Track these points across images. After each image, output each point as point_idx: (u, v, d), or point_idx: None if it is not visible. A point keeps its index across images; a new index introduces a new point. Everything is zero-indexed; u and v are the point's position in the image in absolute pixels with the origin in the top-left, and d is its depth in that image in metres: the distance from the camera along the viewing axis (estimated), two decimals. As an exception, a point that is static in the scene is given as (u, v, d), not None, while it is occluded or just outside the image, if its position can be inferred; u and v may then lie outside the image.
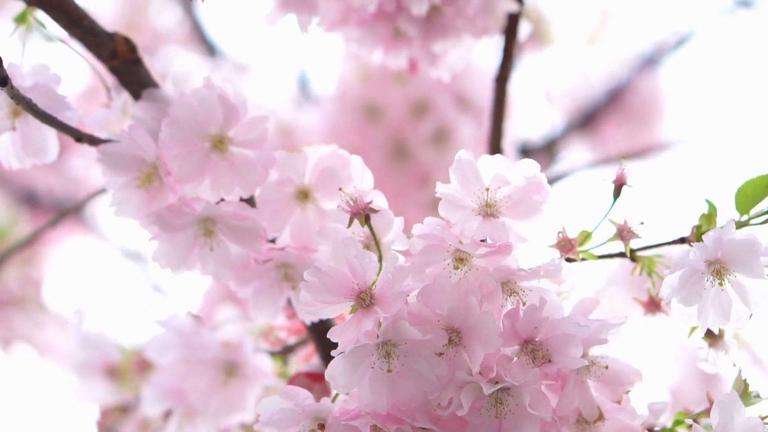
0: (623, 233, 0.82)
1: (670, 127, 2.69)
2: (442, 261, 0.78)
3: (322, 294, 0.76)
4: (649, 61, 2.67)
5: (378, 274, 0.76)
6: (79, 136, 0.87)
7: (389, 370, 0.75)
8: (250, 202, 0.90)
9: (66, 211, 1.51)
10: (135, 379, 1.25)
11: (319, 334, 0.98)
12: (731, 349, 0.83)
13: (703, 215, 0.82)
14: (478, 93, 1.76)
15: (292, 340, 1.11)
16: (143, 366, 1.24)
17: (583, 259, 0.82)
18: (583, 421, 0.79)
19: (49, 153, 0.88)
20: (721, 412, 0.76)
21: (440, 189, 0.79)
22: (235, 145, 0.86)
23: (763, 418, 0.78)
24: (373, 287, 0.75)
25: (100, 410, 1.26)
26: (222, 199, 0.88)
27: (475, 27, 1.08)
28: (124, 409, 1.25)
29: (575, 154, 2.66)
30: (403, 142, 1.76)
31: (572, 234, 0.82)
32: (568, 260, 0.82)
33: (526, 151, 2.37)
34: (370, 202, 0.80)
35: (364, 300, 0.75)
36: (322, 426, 0.77)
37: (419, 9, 1.02)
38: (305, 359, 1.08)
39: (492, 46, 1.30)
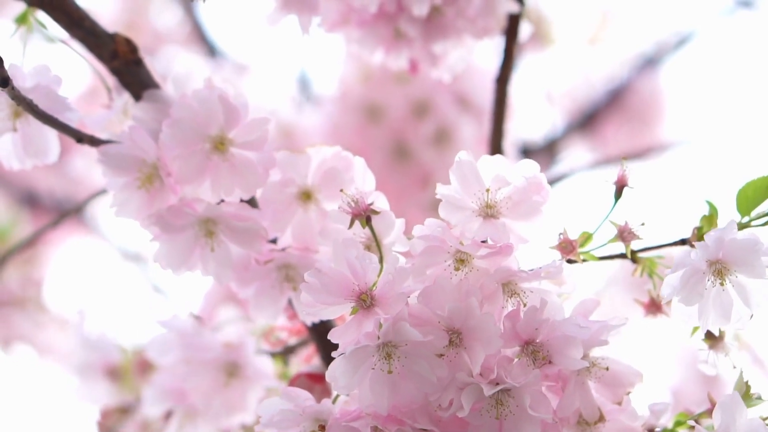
0: (624, 234, 0.82)
1: (671, 128, 2.69)
2: (442, 262, 0.78)
3: (323, 295, 0.76)
4: (650, 62, 2.67)
5: (379, 276, 0.76)
6: (80, 137, 0.87)
7: (390, 372, 0.75)
8: (251, 203, 0.90)
9: (67, 211, 1.51)
10: (136, 380, 1.25)
11: (320, 334, 0.98)
12: (731, 351, 0.83)
13: (704, 216, 0.82)
14: (479, 93, 1.76)
15: (292, 340, 1.11)
16: (144, 367, 1.24)
17: (584, 261, 0.82)
18: (583, 422, 0.79)
19: (50, 154, 0.88)
20: (723, 414, 0.76)
21: (440, 190, 0.79)
22: (236, 146, 0.86)
23: (764, 419, 0.78)
24: (374, 288, 0.75)
25: (100, 411, 1.26)
26: (222, 200, 0.88)
27: (475, 27, 1.08)
28: (124, 410, 1.25)
29: (576, 154, 2.66)
30: (403, 143, 1.76)
31: (573, 235, 0.82)
32: (569, 261, 0.82)
33: (526, 152, 2.37)
34: (371, 204, 0.80)
35: (365, 301, 0.75)
36: (322, 427, 0.77)
37: (420, 10, 1.02)
38: (306, 360, 1.08)
39: (493, 47, 1.30)
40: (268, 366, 1.02)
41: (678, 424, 0.83)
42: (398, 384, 0.76)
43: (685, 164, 2.74)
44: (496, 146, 1.28)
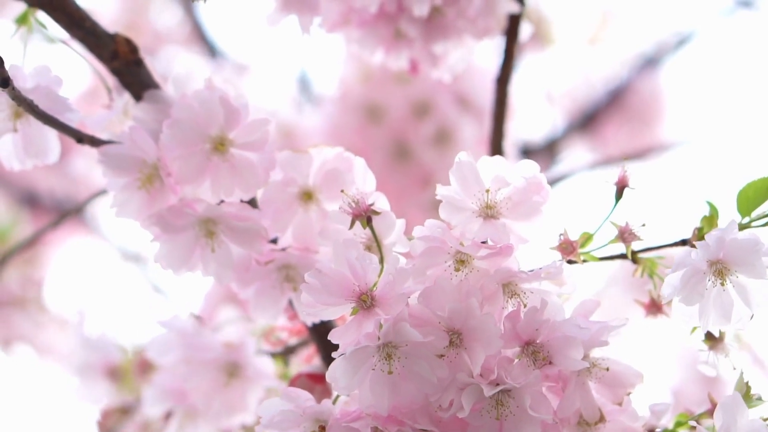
0: (625, 235, 0.82)
1: (671, 128, 2.69)
2: (443, 263, 0.77)
3: (323, 295, 0.76)
4: (650, 62, 2.67)
5: (379, 276, 0.76)
6: (81, 137, 0.87)
7: (390, 372, 0.75)
8: (251, 203, 0.90)
9: (67, 212, 1.51)
10: (136, 381, 1.25)
11: (321, 335, 0.98)
12: (731, 352, 0.83)
13: (705, 217, 0.82)
14: (480, 94, 1.76)
15: (293, 341, 1.11)
16: (144, 367, 1.24)
17: (584, 261, 0.82)
18: (584, 422, 0.79)
19: (51, 154, 0.88)
20: (725, 414, 0.76)
21: (440, 191, 0.79)
22: (236, 147, 0.86)
23: (765, 420, 0.78)
24: (374, 289, 0.75)
25: (101, 411, 1.26)
26: (222, 201, 0.88)
27: (476, 28, 1.08)
28: (125, 411, 1.25)
29: (576, 154, 2.66)
30: (404, 143, 1.76)
31: (574, 236, 0.82)
32: (570, 262, 0.82)
33: (527, 152, 2.37)
34: (371, 204, 0.80)
35: (365, 302, 0.75)
36: (323, 428, 0.77)
37: (420, 10, 1.02)
38: (306, 360, 1.08)
39: (493, 47, 1.30)
40: (268, 366, 1.02)
41: (678, 424, 0.83)
42: (398, 384, 0.76)
43: (685, 164, 2.74)
44: (496, 146, 1.28)
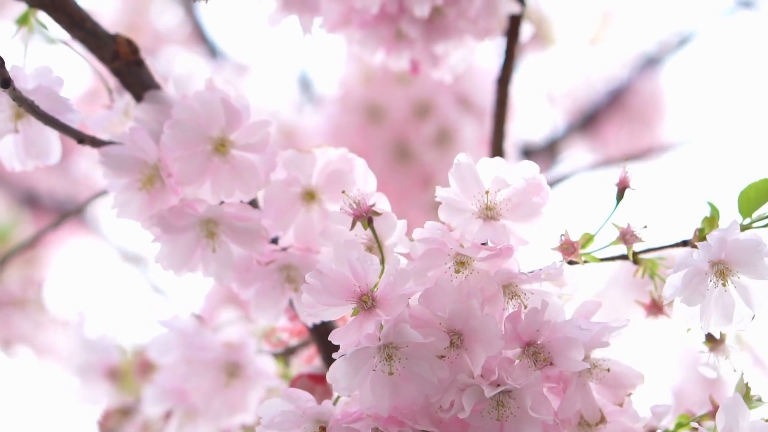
0: (626, 236, 0.82)
1: (672, 129, 2.69)
2: (443, 265, 0.77)
3: (324, 296, 0.76)
4: (651, 62, 2.67)
5: (380, 277, 0.76)
6: (81, 138, 0.87)
7: (391, 373, 0.75)
8: (252, 203, 0.90)
9: (68, 212, 1.52)
10: (136, 381, 1.25)
11: (321, 335, 0.98)
12: (732, 354, 0.82)
13: (706, 218, 0.82)
14: (480, 94, 1.76)
15: (293, 341, 1.11)
16: (145, 368, 1.24)
17: (585, 262, 0.82)
18: (584, 423, 0.79)
19: (52, 155, 0.88)
20: (727, 416, 0.76)
21: (440, 193, 0.79)
22: (237, 148, 0.86)
23: (767, 421, 0.78)
24: (375, 290, 0.75)
25: (102, 412, 1.26)
26: (222, 202, 0.88)
27: (477, 28, 1.08)
28: (125, 411, 1.25)
29: (576, 155, 2.66)
30: (405, 144, 1.76)
31: (575, 237, 0.82)
32: (571, 263, 0.82)
33: (527, 152, 2.37)
34: (373, 205, 0.80)
35: (366, 302, 0.75)
36: (323, 428, 0.77)
37: (421, 10, 1.02)
38: (307, 361, 1.08)
39: (494, 48, 1.30)
40: (269, 366, 1.02)
41: (679, 425, 0.83)
42: (399, 385, 0.76)
43: (686, 165, 2.74)
44: (497, 147, 1.28)
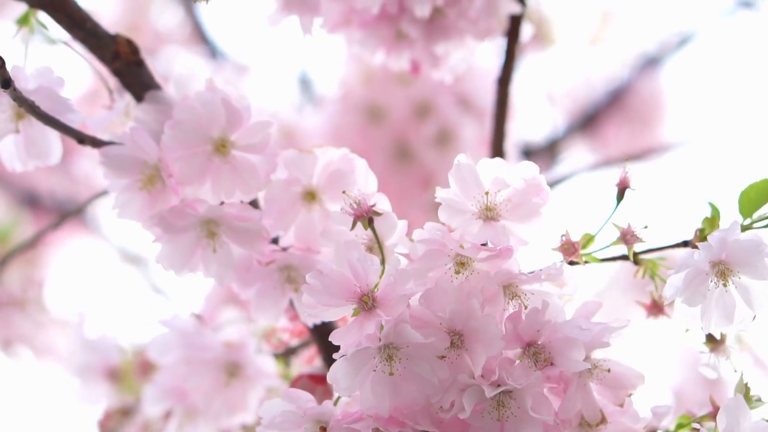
0: (627, 237, 0.82)
1: (672, 129, 2.69)
2: (443, 266, 0.77)
3: (325, 297, 0.76)
4: (651, 62, 2.67)
5: (380, 277, 0.76)
6: (82, 138, 0.87)
7: (391, 373, 0.75)
8: (253, 204, 0.90)
9: (68, 212, 1.52)
10: (137, 382, 1.25)
11: (322, 336, 0.98)
12: (732, 354, 0.82)
13: (706, 218, 0.82)
14: (481, 94, 1.76)
15: (294, 342, 1.11)
16: (145, 368, 1.24)
17: (586, 262, 0.82)
18: (585, 424, 0.79)
19: (53, 155, 0.88)
20: (728, 417, 0.76)
21: (440, 194, 0.79)
22: (237, 149, 0.86)
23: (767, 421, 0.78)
24: (376, 290, 0.75)
25: (103, 413, 1.26)
26: (223, 202, 0.88)
27: (477, 29, 1.08)
28: (125, 412, 1.25)
29: (577, 155, 2.66)
30: (405, 144, 1.76)
31: (575, 237, 0.82)
32: (571, 263, 0.82)
33: (528, 153, 2.37)
34: (373, 205, 0.80)
35: (366, 303, 0.75)
36: (324, 429, 0.77)
37: (422, 11, 1.02)
38: (307, 361, 1.08)
39: (494, 48, 1.30)
40: (269, 365, 1.02)
41: (680, 426, 0.83)
42: (399, 386, 0.76)
43: (686, 165, 2.74)
44: (497, 147, 1.28)
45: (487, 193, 0.79)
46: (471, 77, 1.74)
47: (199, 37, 2.70)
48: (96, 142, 0.88)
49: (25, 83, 0.85)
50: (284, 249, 0.89)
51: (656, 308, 0.87)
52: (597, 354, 0.79)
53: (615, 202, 0.83)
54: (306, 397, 0.77)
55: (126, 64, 0.94)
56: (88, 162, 2.47)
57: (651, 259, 0.84)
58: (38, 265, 2.68)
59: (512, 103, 1.30)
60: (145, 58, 0.95)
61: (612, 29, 2.76)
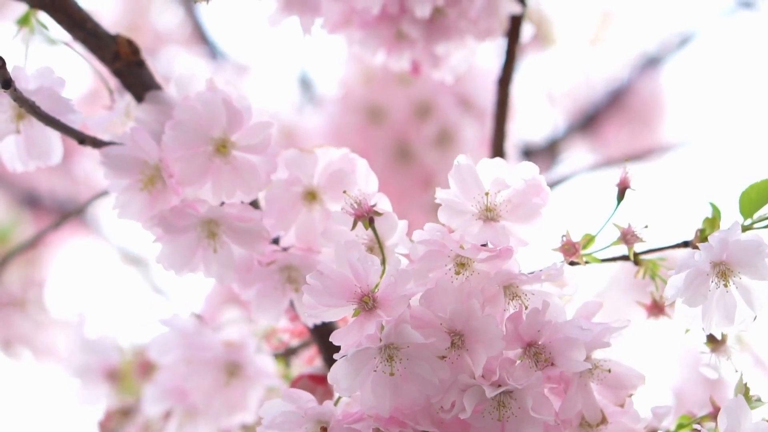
0: (627, 237, 0.82)
1: (672, 129, 2.69)
2: (443, 266, 0.77)
3: (325, 297, 0.76)
4: (651, 62, 2.67)
5: (381, 278, 0.76)
6: (82, 139, 0.87)
7: (392, 374, 0.75)
8: (253, 204, 0.90)
9: (69, 213, 1.52)
10: (137, 382, 1.25)
11: (322, 336, 0.98)
12: (733, 354, 0.82)
13: (707, 219, 0.82)
14: (481, 95, 1.76)
15: (294, 342, 1.11)
16: (146, 369, 1.24)
17: (586, 263, 0.82)
18: (586, 424, 0.79)
19: (54, 156, 0.88)
20: (729, 418, 0.76)
21: (440, 195, 0.79)
22: (238, 149, 0.86)
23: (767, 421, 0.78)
24: (376, 290, 0.75)
25: (104, 413, 1.26)
26: (223, 203, 0.88)
27: (478, 29, 1.08)
28: (126, 412, 1.25)
29: (577, 155, 2.66)
30: (406, 144, 1.76)
31: (576, 237, 0.82)
32: (572, 263, 0.81)
33: (528, 153, 2.37)
34: (374, 205, 0.80)
35: (367, 303, 0.75)
36: (324, 429, 0.77)
37: (422, 11, 1.02)
38: (308, 361, 1.08)
39: (495, 48, 1.30)
40: (269, 365, 1.02)
41: (680, 426, 0.83)
42: (400, 386, 0.76)
43: (686, 166, 2.74)
44: (498, 147, 1.29)
45: (487, 194, 0.79)
46: (471, 77, 1.74)
47: (200, 37, 2.70)
48: (96, 143, 0.88)
49: (26, 83, 0.85)
50: (285, 249, 0.89)
51: (657, 308, 0.87)
52: (598, 354, 0.79)
53: (615, 202, 0.83)
54: (306, 398, 0.77)
55: (126, 65, 0.94)
56: (89, 162, 2.47)
57: (651, 259, 0.84)
58: (38, 266, 2.68)
59: (512, 103, 1.30)
60: (145, 58, 0.95)
61: (612, 29, 2.76)
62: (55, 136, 0.88)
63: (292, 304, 0.92)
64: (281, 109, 1.99)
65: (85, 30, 0.93)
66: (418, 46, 1.08)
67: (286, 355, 1.11)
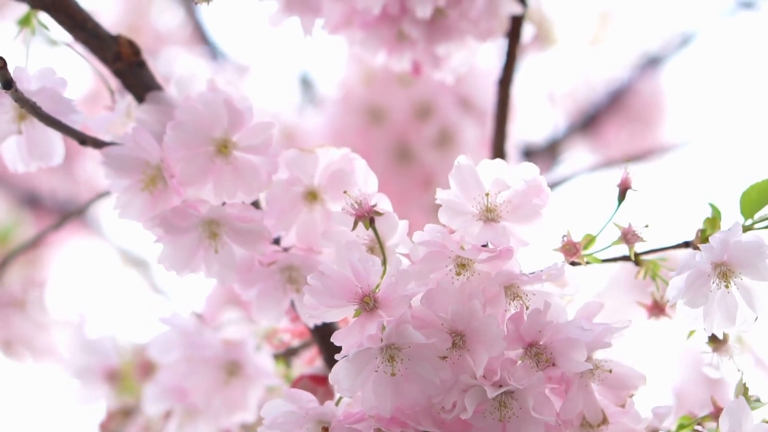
0: (628, 237, 0.82)
1: (672, 129, 2.69)
2: (444, 267, 0.77)
3: (326, 298, 0.76)
4: (651, 63, 2.67)
5: (382, 278, 0.76)
6: (83, 139, 0.87)
7: (393, 374, 0.75)
8: (254, 205, 0.90)
9: (70, 213, 1.52)
10: (138, 383, 1.25)
11: (323, 336, 0.98)
12: (735, 354, 0.82)
13: (708, 219, 0.82)
14: (482, 95, 1.76)
15: (295, 342, 1.11)
16: (146, 369, 1.24)
17: (587, 263, 0.82)
18: (587, 424, 0.79)
19: (55, 156, 0.88)
20: (731, 419, 0.76)
21: (440, 195, 0.79)
22: (240, 149, 0.86)
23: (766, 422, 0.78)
24: (377, 291, 0.75)
25: (105, 414, 1.26)
26: (224, 203, 0.88)
27: (478, 29, 1.08)
28: (126, 413, 1.25)
29: (577, 156, 2.66)
30: (406, 145, 1.76)
31: (576, 237, 0.82)
32: (573, 264, 0.82)
33: (528, 153, 2.37)
34: (374, 205, 0.80)
35: (368, 304, 0.75)
36: (326, 429, 0.77)
37: (423, 11, 1.02)
38: (309, 362, 1.08)
39: (495, 49, 1.30)
40: (268, 364, 1.02)
41: (681, 427, 0.83)
42: (401, 386, 0.76)
43: (687, 166, 2.74)
44: (498, 148, 1.29)
45: (487, 195, 0.79)
46: (472, 78, 1.74)
47: (200, 37, 2.70)
48: (98, 143, 0.88)
49: (27, 84, 0.85)
50: (286, 250, 0.89)
51: (657, 309, 0.87)
52: (599, 354, 0.79)
53: (616, 202, 0.83)
54: (308, 398, 0.77)
55: (127, 65, 0.94)
56: (90, 163, 2.47)
57: (652, 259, 0.84)
58: (39, 266, 2.68)
59: (513, 103, 1.30)
60: (146, 59, 0.95)
61: (612, 30, 2.76)
62: (56, 137, 0.88)
63: (293, 305, 0.92)
64: (282, 110, 1.99)
65: (86, 31, 0.93)
66: (419, 46, 1.08)
67: (286, 355, 1.11)
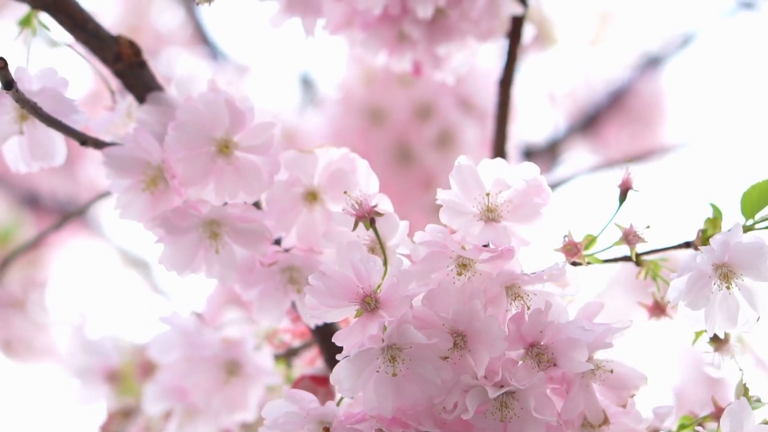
0: (629, 237, 0.82)
1: (673, 130, 2.69)
2: (445, 267, 0.77)
3: (327, 298, 0.76)
4: (651, 63, 2.67)
5: (383, 278, 0.76)
6: (84, 140, 0.87)
7: (394, 374, 0.75)
8: (255, 205, 0.90)
9: (70, 213, 1.52)
10: (138, 383, 1.25)
11: (324, 337, 0.98)
12: (736, 354, 0.82)
13: (708, 219, 0.82)
14: (482, 96, 1.76)
15: (296, 343, 1.11)
16: (147, 369, 1.24)
17: (588, 263, 0.82)
18: (588, 425, 0.79)
19: (57, 156, 0.88)
20: (732, 420, 0.76)
21: (441, 195, 0.79)
22: (241, 150, 0.86)
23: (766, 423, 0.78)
24: (378, 291, 0.75)
25: (106, 414, 1.26)
26: (226, 203, 0.88)
27: (479, 30, 1.08)
28: (127, 413, 1.25)
29: (578, 156, 2.66)
30: (407, 145, 1.76)
31: (577, 238, 0.82)
32: (574, 264, 0.81)
33: (529, 153, 2.37)
34: (375, 206, 0.80)
35: (369, 304, 0.75)
36: (327, 429, 0.77)
37: (424, 12, 1.02)
38: (309, 362, 1.08)
39: (496, 49, 1.30)
40: (268, 364, 1.02)
41: (682, 427, 0.83)
42: (402, 387, 0.76)
43: (687, 166, 2.74)
44: (499, 149, 1.29)
45: (488, 195, 0.79)
46: (472, 78, 1.74)
47: (201, 38, 2.70)
48: (98, 144, 0.88)
49: (29, 85, 0.85)
50: (287, 250, 0.89)
51: (658, 309, 0.87)
52: (600, 355, 0.79)
53: (617, 203, 0.83)
54: (309, 398, 0.77)
55: (128, 66, 0.94)
56: (91, 163, 2.47)
57: (653, 260, 0.84)
58: (40, 266, 2.68)
59: (513, 104, 1.30)
60: (146, 59, 0.95)
61: (613, 30, 2.76)
62: (58, 137, 0.88)
63: (293, 305, 0.92)
64: (282, 111, 1.99)
65: (86, 31, 0.93)
66: (420, 47, 1.08)
67: (287, 355, 1.11)
